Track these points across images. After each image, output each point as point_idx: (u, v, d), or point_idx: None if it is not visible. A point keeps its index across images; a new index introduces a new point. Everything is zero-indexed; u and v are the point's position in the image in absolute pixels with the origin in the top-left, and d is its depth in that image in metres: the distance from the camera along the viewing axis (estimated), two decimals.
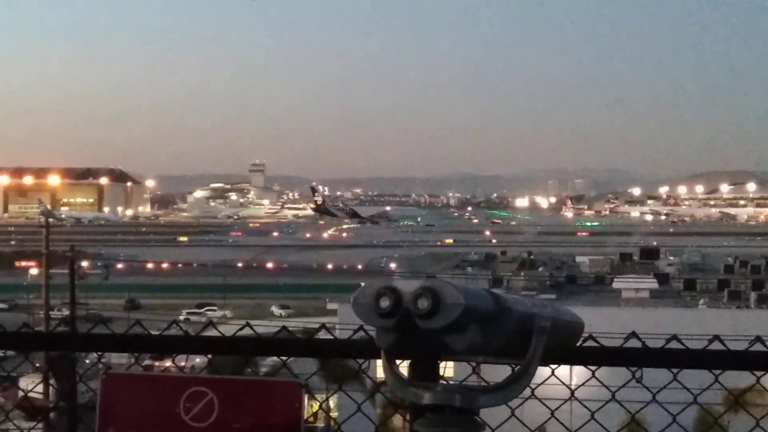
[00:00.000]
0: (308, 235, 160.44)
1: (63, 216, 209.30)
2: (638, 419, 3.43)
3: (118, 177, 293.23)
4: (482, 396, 2.11)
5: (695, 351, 2.86)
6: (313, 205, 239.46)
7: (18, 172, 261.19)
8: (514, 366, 2.19)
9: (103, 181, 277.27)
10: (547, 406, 3.20)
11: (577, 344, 2.57)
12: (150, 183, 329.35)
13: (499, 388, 2.14)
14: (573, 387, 3.16)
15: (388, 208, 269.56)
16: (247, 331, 3.21)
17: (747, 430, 3.41)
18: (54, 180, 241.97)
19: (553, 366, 2.75)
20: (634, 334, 2.97)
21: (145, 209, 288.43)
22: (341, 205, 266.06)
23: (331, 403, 29.00)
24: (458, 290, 1.95)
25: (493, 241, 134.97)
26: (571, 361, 2.72)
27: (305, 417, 2.68)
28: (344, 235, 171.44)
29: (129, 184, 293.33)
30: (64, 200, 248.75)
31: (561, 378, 3.07)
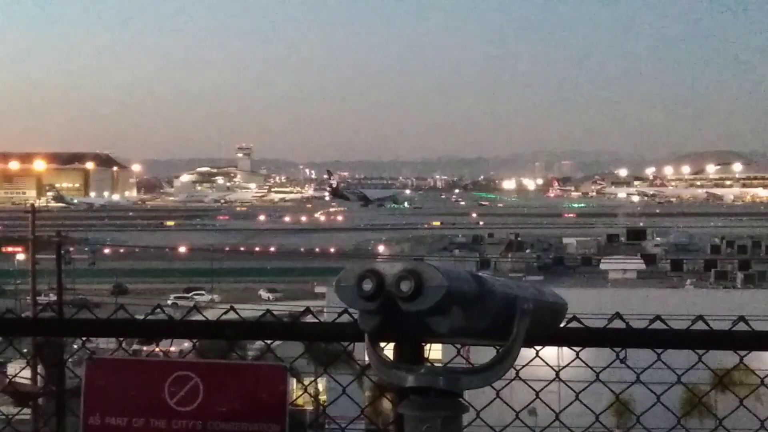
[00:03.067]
0: (298, 219, 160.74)
1: (75, 201, 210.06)
2: (623, 399, 3.45)
3: (105, 162, 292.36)
4: (466, 378, 2.11)
5: (677, 331, 2.86)
6: (328, 189, 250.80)
7: (3, 157, 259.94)
8: (498, 348, 2.19)
9: (89, 165, 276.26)
10: (532, 388, 3.21)
11: (561, 325, 2.58)
12: (136, 167, 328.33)
13: (483, 370, 2.14)
14: (558, 368, 3.17)
15: (407, 191, 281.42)
16: (231, 315, 3.20)
17: (732, 409, 3.43)
18: (40, 165, 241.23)
19: (538, 347, 2.75)
20: (618, 315, 2.98)
21: (132, 194, 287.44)
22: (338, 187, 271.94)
23: (321, 385, 29.10)
24: (441, 272, 1.94)
25: (481, 223, 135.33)
26: (555, 342, 2.72)
27: (291, 400, 2.68)
28: (333, 218, 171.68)
29: (115, 168, 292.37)
30: (50, 185, 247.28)
31: (548, 359, 3.07)
